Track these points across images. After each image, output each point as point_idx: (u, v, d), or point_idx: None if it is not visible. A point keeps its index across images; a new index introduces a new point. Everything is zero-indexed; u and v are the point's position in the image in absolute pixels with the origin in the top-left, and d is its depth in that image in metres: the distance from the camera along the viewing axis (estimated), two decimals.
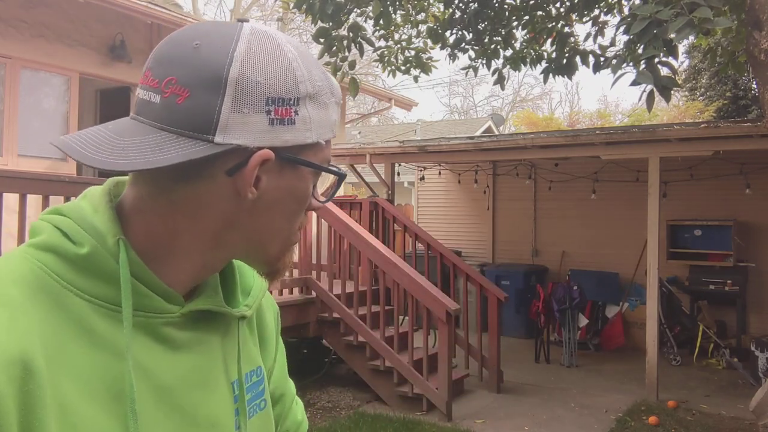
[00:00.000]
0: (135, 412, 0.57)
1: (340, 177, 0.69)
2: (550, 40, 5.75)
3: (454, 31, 5.86)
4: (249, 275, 0.77)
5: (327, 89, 0.65)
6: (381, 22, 5.27)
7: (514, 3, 5.78)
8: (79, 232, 0.60)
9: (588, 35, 5.69)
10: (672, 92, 3.81)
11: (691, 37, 4.95)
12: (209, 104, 0.58)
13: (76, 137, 0.59)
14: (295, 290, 5.71)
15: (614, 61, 4.17)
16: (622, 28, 4.09)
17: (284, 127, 0.61)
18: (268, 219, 0.64)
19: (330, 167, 0.67)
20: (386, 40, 6.01)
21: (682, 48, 12.47)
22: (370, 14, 5.28)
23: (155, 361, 0.62)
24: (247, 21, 0.63)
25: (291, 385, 0.90)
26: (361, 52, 5.30)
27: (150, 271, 0.62)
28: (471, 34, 5.79)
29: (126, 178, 0.68)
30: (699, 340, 6.93)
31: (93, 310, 0.59)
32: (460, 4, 5.77)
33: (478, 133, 15.32)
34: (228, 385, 0.70)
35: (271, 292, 5.01)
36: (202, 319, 0.68)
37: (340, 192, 10.47)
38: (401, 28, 6.18)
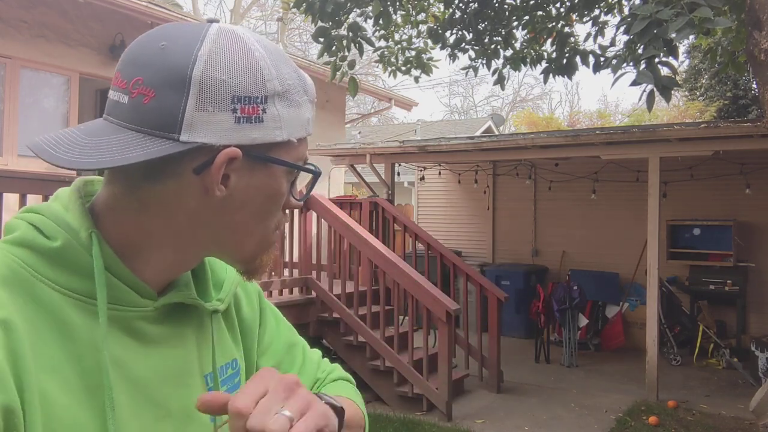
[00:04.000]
0: (113, 403, 0.58)
1: (315, 175, 0.69)
2: (550, 40, 5.75)
3: (454, 31, 5.85)
4: (221, 269, 0.78)
5: (299, 87, 0.65)
6: (381, 22, 5.27)
7: (514, 3, 5.78)
8: (52, 227, 0.61)
9: (588, 35, 5.69)
10: (672, 92, 3.81)
11: (692, 37, 4.96)
12: (174, 104, 0.59)
13: (48, 138, 0.61)
14: (295, 290, 5.70)
15: (614, 61, 4.17)
16: (622, 28, 4.09)
17: (252, 125, 0.61)
18: (240, 217, 0.65)
19: (303, 165, 0.67)
20: (386, 40, 6.01)
21: (682, 48, 12.47)
22: (370, 14, 5.28)
23: (129, 354, 0.63)
24: (216, 21, 0.64)
25: (298, 353, 0.88)
26: (361, 51, 5.29)
27: (123, 265, 0.63)
28: (471, 34, 5.79)
29: (97, 177, 0.69)
30: (699, 340, 6.93)
31: (67, 303, 0.60)
32: (460, 4, 5.77)
33: (478, 133, 15.31)
34: (202, 378, 0.70)
35: (270, 293, 4.94)
36: (175, 313, 0.69)
37: (341, 192, 10.46)
38: (401, 29, 6.18)
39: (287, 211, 0.71)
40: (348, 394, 0.86)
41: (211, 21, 0.64)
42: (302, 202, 0.71)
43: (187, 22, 0.66)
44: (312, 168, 0.69)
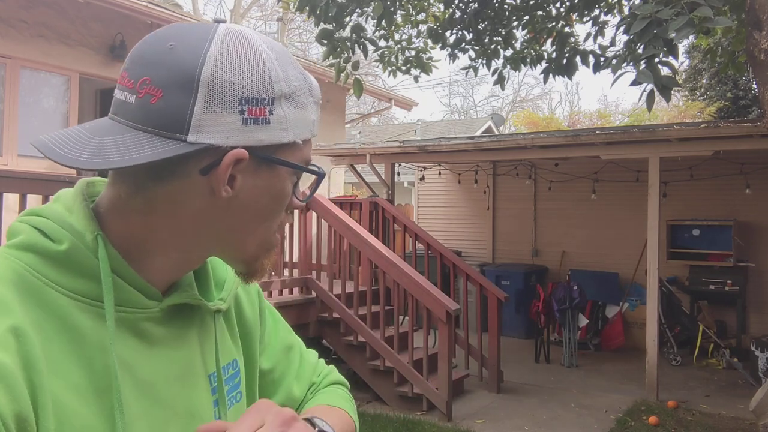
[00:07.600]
0: (121, 405, 0.59)
1: (320, 176, 0.69)
2: (550, 40, 5.75)
3: (454, 31, 5.86)
4: (221, 269, 0.79)
5: (305, 89, 0.66)
6: (383, 23, 5.27)
7: (514, 3, 5.78)
8: (58, 230, 0.61)
9: (588, 35, 5.69)
10: (672, 92, 3.81)
11: (692, 37, 4.96)
12: (182, 104, 0.59)
13: (54, 136, 0.61)
14: (295, 290, 5.70)
15: (614, 61, 4.17)
16: (622, 28, 4.09)
17: (259, 126, 0.61)
18: (244, 218, 0.65)
19: (308, 167, 0.68)
20: (387, 40, 6.01)
21: (682, 48, 12.48)
22: (371, 14, 5.28)
23: (136, 356, 0.63)
24: (223, 21, 0.64)
25: (295, 356, 0.89)
26: (365, 53, 5.30)
27: (129, 267, 0.63)
28: (471, 34, 5.79)
29: (98, 178, 0.69)
30: (699, 340, 6.92)
31: (74, 306, 0.60)
32: (460, 4, 5.77)
33: (478, 133, 15.31)
34: (205, 378, 0.71)
35: (270, 293, 4.94)
36: (178, 314, 0.69)
37: (341, 192, 10.46)
38: (401, 29, 6.18)
39: (290, 211, 0.71)
40: (341, 402, 0.87)
41: (218, 21, 0.64)
42: (305, 203, 0.71)
43: (193, 22, 0.67)
44: (316, 169, 0.69)
